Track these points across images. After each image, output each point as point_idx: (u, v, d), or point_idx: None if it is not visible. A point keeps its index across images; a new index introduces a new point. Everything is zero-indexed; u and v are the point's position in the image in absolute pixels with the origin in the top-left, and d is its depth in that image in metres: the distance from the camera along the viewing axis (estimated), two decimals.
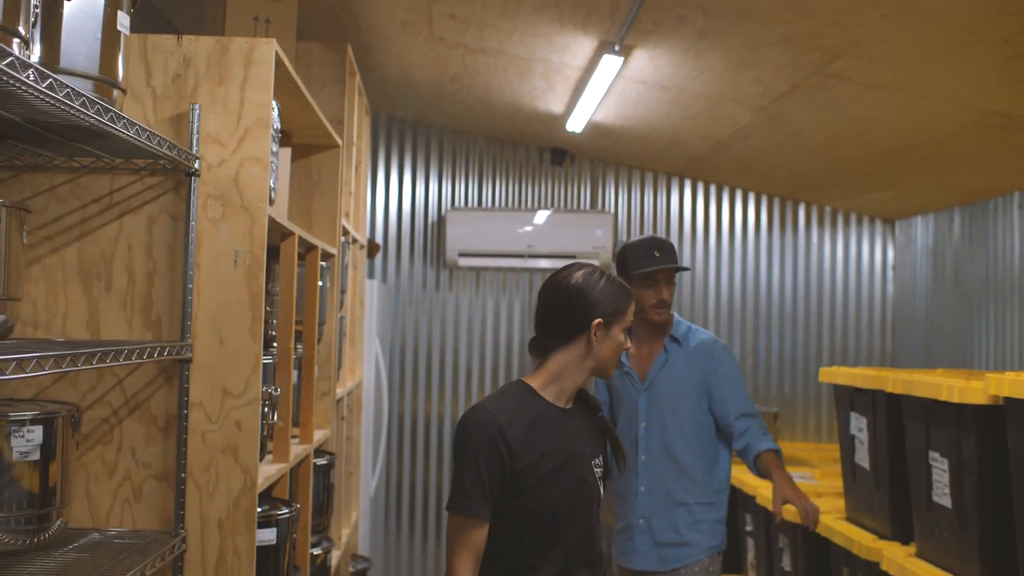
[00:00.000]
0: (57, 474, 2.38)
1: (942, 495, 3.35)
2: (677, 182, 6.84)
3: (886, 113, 4.45)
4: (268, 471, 3.05)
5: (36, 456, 2.31)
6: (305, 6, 4.04)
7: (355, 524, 5.34)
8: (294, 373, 3.56)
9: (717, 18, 3.76)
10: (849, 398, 4.16)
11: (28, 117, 2.14)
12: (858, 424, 4.08)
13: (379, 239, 6.74)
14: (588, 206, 6.84)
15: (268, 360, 3.07)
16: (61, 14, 2.14)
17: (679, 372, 3.64)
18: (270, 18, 3.55)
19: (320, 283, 3.93)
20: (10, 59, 1.62)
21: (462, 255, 6.58)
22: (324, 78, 4.42)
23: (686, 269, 3.83)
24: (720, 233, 6.84)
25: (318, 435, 3.98)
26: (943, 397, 3.22)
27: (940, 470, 3.36)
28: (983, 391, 3.06)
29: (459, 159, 6.81)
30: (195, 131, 2.76)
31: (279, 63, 2.95)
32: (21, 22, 1.80)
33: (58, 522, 2.40)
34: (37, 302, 2.76)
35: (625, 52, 4.27)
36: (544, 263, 6.63)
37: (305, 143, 4.18)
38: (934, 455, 3.41)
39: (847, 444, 4.20)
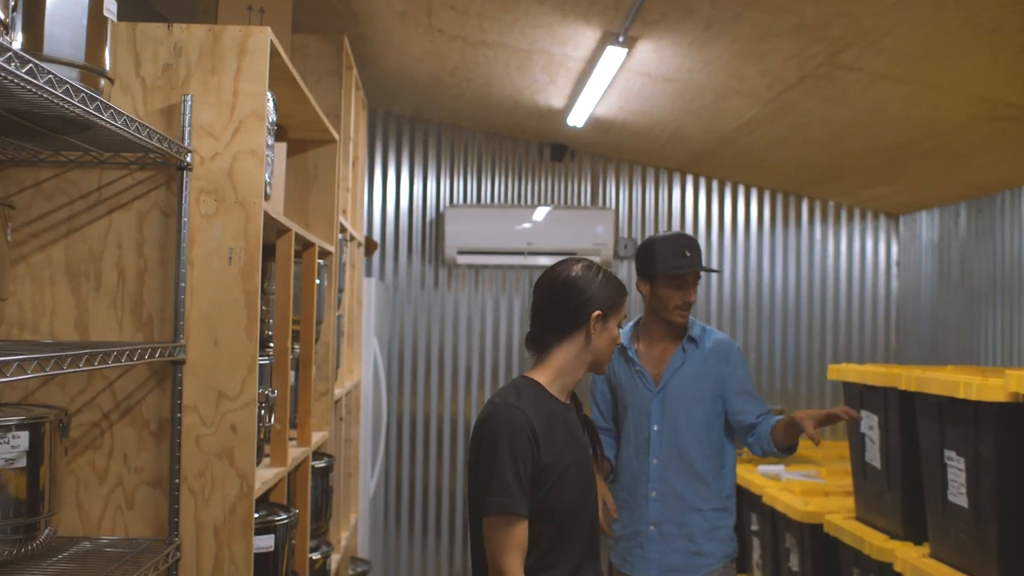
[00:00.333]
0: (45, 481, 2.29)
1: (958, 495, 3.26)
2: (679, 178, 6.74)
3: (894, 105, 4.35)
4: (265, 475, 2.95)
5: (23, 463, 2.22)
6: None
7: (354, 526, 5.24)
8: (291, 374, 3.46)
9: (724, 7, 3.67)
10: (859, 396, 4.07)
11: (10, 107, 2.04)
12: (869, 422, 3.99)
13: (377, 237, 6.64)
14: (589, 202, 6.74)
15: (264, 361, 2.97)
16: None
17: (696, 374, 3.50)
18: (264, 7, 3.45)
19: (317, 281, 3.83)
20: None
21: (461, 253, 6.48)
22: (320, 71, 4.31)
23: (717, 271, 3.67)
24: (723, 229, 6.74)
25: (316, 437, 3.88)
26: (960, 395, 3.13)
27: (956, 469, 3.27)
28: (1003, 388, 2.96)
29: (458, 155, 6.71)
30: (187, 123, 2.67)
31: (274, 53, 2.85)
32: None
33: (46, 531, 2.30)
34: (23, 302, 2.66)
35: (629, 43, 4.18)
36: (544, 260, 6.52)
37: (301, 138, 4.08)
38: (949, 454, 3.32)
39: (857, 443, 4.11)
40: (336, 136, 4.13)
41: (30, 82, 1.69)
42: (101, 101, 2.07)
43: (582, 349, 2.56)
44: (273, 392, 2.96)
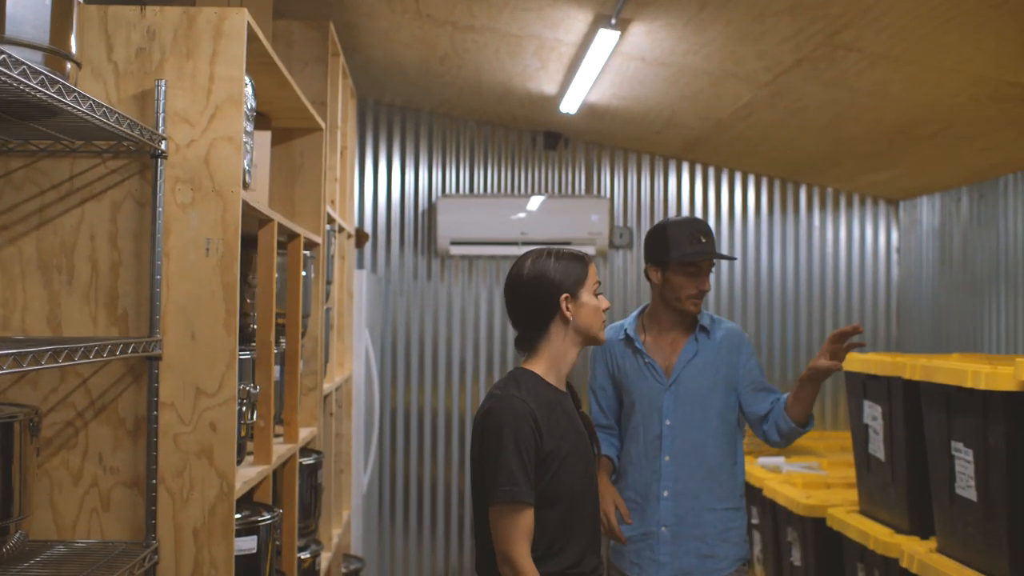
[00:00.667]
0: (16, 483, 2.19)
1: (966, 487, 3.16)
2: (675, 165, 6.63)
3: (895, 87, 4.24)
4: (248, 474, 2.85)
5: None
6: None
7: (347, 523, 5.14)
8: (276, 369, 3.35)
9: None
10: (862, 385, 3.97)
11: None
12: (872, 413, 3.89)
13: (368, 228, 6.52)
14: (583, 191, 6.63)
15: (246, 356, 2.87)
16: None
17: (708, 365, 3.31)
18: None
19: (304, 273, 3.73)
20: None
21: (454, 243, 6.37)
22: (306, 58, 4.20)
23: (733, 259, 3.46)
24: (719, 217, 6.63)
25: (304, 433, 3.78)
26: (968, 384, 3.03)
27: (964, 461, 3.17)
28: (1013, 377, 2.86)
29: (449, 145, 6.59)
30: (161, 109, 2.56)
31: (252, 36, 2.75)
32: None
33: (17, 535, 2.21)
34: None
35: (622, 26, 4.06)
36: None
37: (286, 126, 3.97)
38: (957, 445, 3.22)
39: (860, 434, 4.01)
40: (322, 124, 4.03)
41: None
42: (64, 84, 1.96)
43: (566, 333, 2.59)
44: (255, 388, 2.85)
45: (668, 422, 3.29)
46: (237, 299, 2.59)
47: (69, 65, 2.27)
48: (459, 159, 6.59)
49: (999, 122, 4.45)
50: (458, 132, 6.58)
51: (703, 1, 3.71)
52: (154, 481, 2.52)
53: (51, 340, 2.41)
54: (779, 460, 5.12)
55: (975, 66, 3.83)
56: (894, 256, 6.67)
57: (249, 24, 2.67)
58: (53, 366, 1.97)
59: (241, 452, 2.83)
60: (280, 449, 3.36)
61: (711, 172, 6.62)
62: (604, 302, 2.63)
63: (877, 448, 3.86)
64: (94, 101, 2.11)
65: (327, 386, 4.37)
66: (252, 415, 2.86)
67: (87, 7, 2.60)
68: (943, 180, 5.79)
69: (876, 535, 3.68)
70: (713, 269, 3.36)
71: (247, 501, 2.96)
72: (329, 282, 4.35)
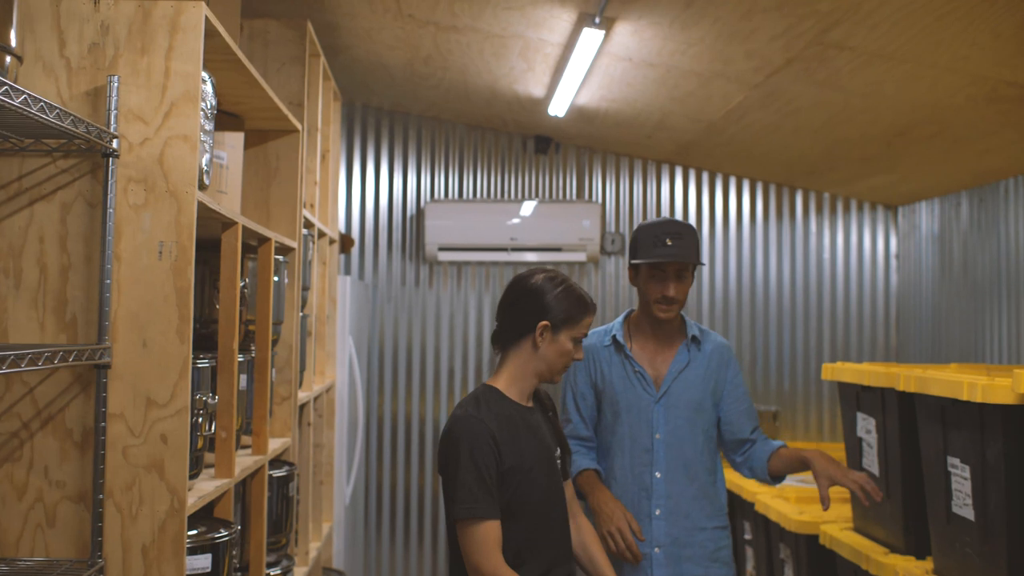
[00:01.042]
0: None
1: (963, 506, 3.02)
2: (668, 170, 6.50)
3: (889, 87, 4.11)
4: (205, 488, 2.72)
5: None
6: None
7: (328, 536, 5.01)
8: (242, 377, 3.22)
9: None
10: (855, 397, 3.83)
11: None
12: (866, 425, 3.75)
13: (355, 233, 6.40)
14: (574, 196, 6.50)
15: (204, 364, 2.74)
16: None
17: (699, 378, 3.21)
18: None
19: (276, 279, 3.60)
20: None
21: (442, 249, 6.24)
22: (282, 57, 4.07)
23: (699, 264, 3.26)
24: (713, 223, 6.50)
25: (275, 444, 3.66)
26: (964, 396, 2.88)
27: (960, 478, 3.02)
28: (1011, 389, 2.72)
29: (438, 149, 6.47)
30: (113, 106, 2.44)
31: (212, 32, 2.63)
32: None
33: None
34: None
35: (607, 24, 3.94)
36: (530, 256, 6.29)
37: (261, 128, 3.85)
38: (953, 461, 3.08)
39: (853, 447, 3.87)
40: (298, 126, 3.90)
41: None
42: (11, 85, 1.84)
43: (531, 356, 2.64)
44: (213, 398, 2.72)
45: (659, 435, 3.16)
46: (191, 305, 2.47)
47: (8, 59, 2.17)
48: (448, 163, 6.47)
49: (998, 124, 4.32)
50: (447, 136, 6.45)
51: None
52: (101, 496, 2.39)
53: None
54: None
55: (972, 64, 3.70)
56: (893, 263, 6.53)
57: (207, 18, 2.54)
58: None
59: (198, 465, 2.70)
60: (246, 461, 3.23)
61: (704, 177, 6.49)
62: (579, 353, 2.67)
63: (871, 463, 3.72)
64: (30, 95, 1.99)
65: (304, 395, 4.24)
66: (210, 426, 2.73)
67: (39, 0, 2.49)
68: (942, 184, 5.65)
69: (870, 554, 3.53)
70: (690, 275, 3.20)
71: (205, 517, 2.83)
72: (306, 288, 4.22)
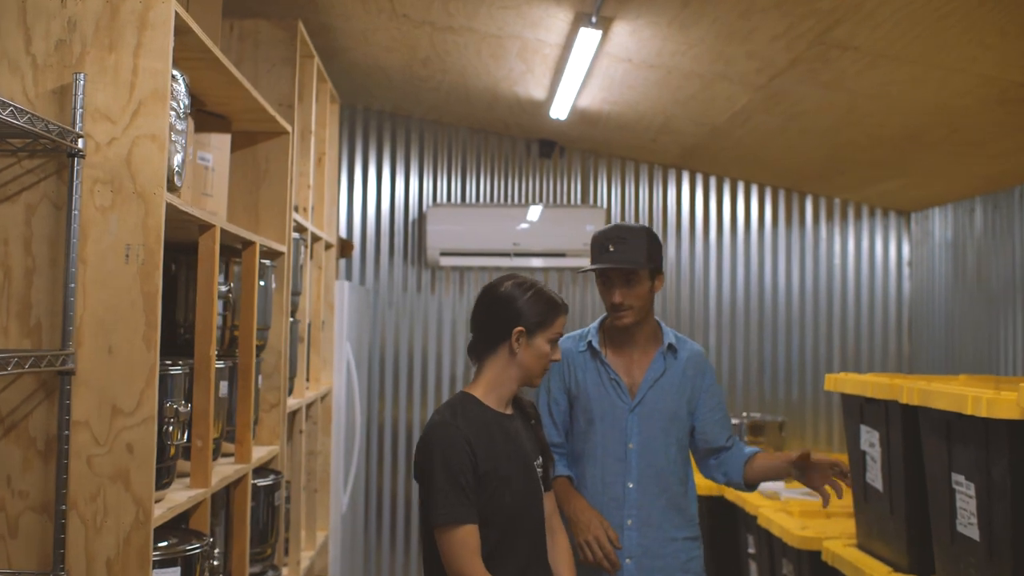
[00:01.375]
0: None
1: (967, 525, 2.90)
2: (674, 174, 6.39)
3: (896, 88, 4.00)
4: (177, 499, 2.63)
5: None
6: None
7: (323, 545, 4.92)
8: (222, 384, 3.14)
9: None
10: (859, 409, 3.71)
11: None
12: (869, 439, 3.64)
13: (356, 238, 6.31)
14: (579, 201, 6.40)
15: (178, 371, 2.65)
16: None
17: (674, 386, 3.13)
18: None
19: (262, 283, 3.52)
20: None
21: (444, 254, 6.15)
22: (273, 58, 4.00)
23: (627, 267, 3.05)
24: (721, 228, 6.39)
25: (261, 452, 3.57)
26: (968, 410, 2.76)
27: (965, 496, 2.90)
28: (1016, 403, 2.60)
29: (440, 152, 6.38)
30: (79, 104, 2.37)
31: (185, 28, 2.55)
32: None
33: None
34: None
35: (603, 24, 3.85)
36: (536, 262, 6.19)
37: (249, 130, 3.78)
38: (957, 478, 2.96)
39: (857, 461, 3.75)
40: (287, 128, 3.83)
41: None
42: None
43: (508, 363, 2.63)
44: (186, 406, 2.63)
45: (631, 445, 3.08)
46: (159, 310, 2.39)
47: None
48: (450, 167, 6.38)
49: (1009, 126, 4.19)
50: (449, 139, 6.37)
51: None
52: (64, 507, 2.31)
53: None
54: (779, 486, 4.86)
55: (980, 65, 3.59)
56: (905, 270, 6.40)
57: (178, 14, 2.46)
58: None
59: (169, 474, 2.62)
60: (227, 470, 3.15)
61: (712, 181, 6.38)
62: (556, 354, 2.67)
63: (875, 477, 3.60)
64: None
65: (295, 402, 4.16)
66: (183, 435, 2.64)
67: None
68: (955, 190, 5.53)
69: (873, 573, 3.41)
70: (641, 280, 3.07)
71: (177, 528, 2.74)
72: (296, 293, 4.14)
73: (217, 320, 3.30)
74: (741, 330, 6.36)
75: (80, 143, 2.34)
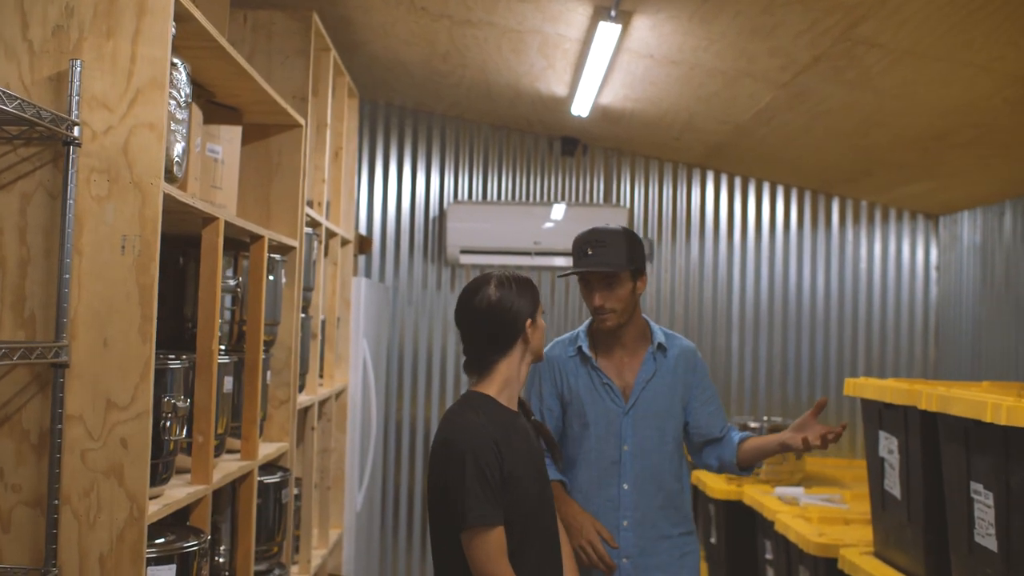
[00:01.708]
0: None
1: (985, 535, 2.80)
2: (698, 174, 6.30)
3: (922, 88, 3.90)
4: (175, 495, 2.59)
5: None
6: None
7: (336, 543, 4.87)
8: (227, 380, 3.10)
9: None
10: (878, 414, 3.62)
11: None
12: (888, 445, 3.54)
13: (376, 235, 6.26)
14: (601, 200, 6.33)
15: (177, 365, 2.61)
16: None
17: (666, 385, 3.15)
18: None
19: (271, 278, 3.48)
20: None
21: (464, 252, 6.09)
22: (287, 50, 3.95)
23: (607, 270, 3.02)
24: (745, 229, 6.29)
25: (269, 449, 3.53)
26: (987, 418, 2.67)
27: (983, 505, 2.81)
28: None
29: (462, 149, 6.32)
30: (75, 92, 2.33)
31: (186, 15, 2.51)
32: None
33: None
34: None
35: (623, 19, 3.78)
36: (557, 261, 6.11)
37: (261, 122, 3.73)
38: (976, 487, 2.86)
39: (876, 467, 3.66)
40: (301, 121, 3.78)
41: None
42: None
43: (523, 354, 2.64)
44: (185, 401, 2.59)
45: (626, 447, 3.10)
46: (155, 302, 2.34)
47: None
48: (472, 164, 6.32)
49: None
50: (471, 136, 6.31)
51: None
52: (56, 502, 2.27)
53: None
54: (798, 491, 4.77)
55: (1009, 65, 3.49)
56: (933, 274, 6.28)
57: (178, 0, 2.42)
58: None
59: (167, 470, 2.57)
60: (231, 467, 3.10)
61: (737, 182, 6.28)
62: (544, 324, 2.71)
63: (893, 484, 3.51)
64: None
65: (307, 399, 4.11)
66: (181, 431, 2.59)
67: None
68: (984, 193, 5.40)
69: None
70: (623, 282, 3.04)
71: (177, 525, 2.70)
72: (309, 289, 4.09)
73: (225, 315, 3.28)
74: (764, 333, 6.26)
75: (76, 131, 2.31)
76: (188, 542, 2.56)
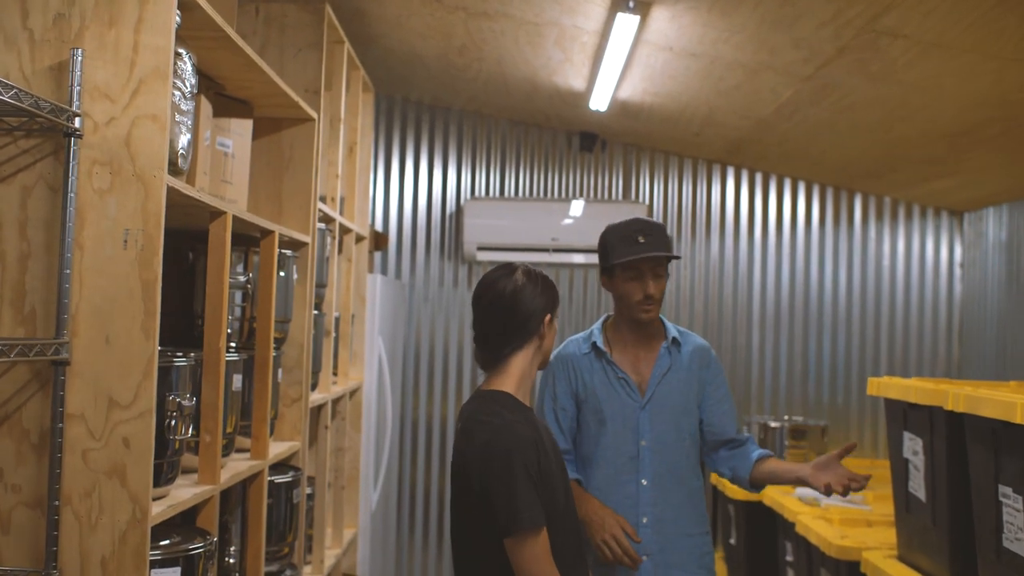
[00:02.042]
0: None
1: (1014, 540, 2.71)
2: (718, 170, 6.21)
3: (949, 80, 3.80)
4: (181, 496, 2.53)
5: None
6: None
7: (350, 543, 4.81)
8: (236, 378, 3.04)
9: None
10: (902, 415, 3.52)
11: None
12: (912, 446, 3.45)
13: (392, 231, 6.20)
14: (620, 196, 6.24)
15: (183, 363, 2.55)
16: None
17: (682, 380, 3.12)
18: None
19: (282, 274, 3.42)
20: None
21: (481, 249, 6.02)
22: (299, 43, 3.89)
23: (676, 257, 3.11)
24: (766, 226, 6.19)
25: (280, 448, 3.47)
26: (1018, 419, 2.59)
27: (1013, 509, 2.72)
28: None
29: (479, 144, 6.24)
30: (76, 82, 2.26)
31: (191, 4, 2.44)
32: None
33: None
34: None
35: (642, 10, 3.69)
36: (576, 258, 6.03)
37: (273, 116, 3.68)
38: (1004, 490, 2.77)
39: (900, 469, 3.57)
40: (313, 115, 3.72)
41: None
42: None
43: (536, 352, 2.59)
44: (190, 399, 2.52)
45: (644, 442, 3.06)
46: (158, 298, 2.28)
47: None
48: (489, 160, 6.24)
49: None
50: (488, 131, 6.23)
51: None
52: (57, 503, 2.22)
53: None
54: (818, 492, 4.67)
55: None
56: (957, 272, 6.16)
57: None
58: None
59: (172, 470, 2.52)
60: (240, 466, 3.04)
61: (758, 178, 6.19)
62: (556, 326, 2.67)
63: (917, 486, 3.42)
64: None
65: (320, 397, 4.05)
66: (186, 430, 2.53)
67: None
68: (1010, 189, 5.29)
69: None
70: (665, 272, 3.07)
71: (185, 526, 2.64)
72: (322, 285, 4.04)
73: (235, 311, 3.23)
74: (785, 331, 6.16)
75: (77, 122, 2.25)
76: (194, 544, 2.50)
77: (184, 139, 2.48)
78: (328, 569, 4.24)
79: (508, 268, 2.59)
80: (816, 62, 3.91)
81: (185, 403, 2.50)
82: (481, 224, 6.03)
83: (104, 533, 2.24)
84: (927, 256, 6.17)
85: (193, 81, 2.54)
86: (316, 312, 3.91)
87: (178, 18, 2.37)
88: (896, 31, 3.42)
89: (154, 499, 2.34)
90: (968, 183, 5.39)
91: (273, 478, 3.39)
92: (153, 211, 2.28)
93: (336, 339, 4.49)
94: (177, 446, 2.51)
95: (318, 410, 4.17)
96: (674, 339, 3.14)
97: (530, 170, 6.24)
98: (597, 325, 3.20)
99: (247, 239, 3.28)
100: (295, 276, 3.62)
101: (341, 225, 4.46)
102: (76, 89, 2.26)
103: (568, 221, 6.05)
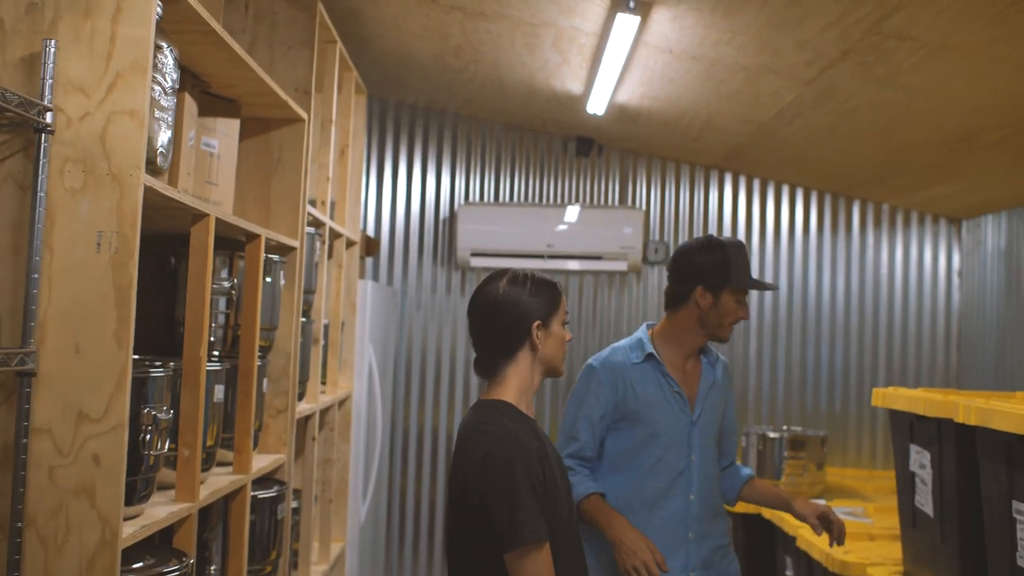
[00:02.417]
0: None
1: None
2: (716, 176, 6.10)
3: (955, 84, 3.70)
4: (156, 515, 2.40)
5: None
6: None
7: (338, 557, 4.68)
8: (218, 388, 2.91)
9: None
10: (909, 427, 3.41)
11: None
12: (920, 460, 3.34)
13: (384, 236, 6.08)
14: (616, 202, 6.13)
15: (160, 373, 2.42)
16: None
17: (719, 396, 3.16)
18: None
19: (269, 279, 3.29)
20: None
21: (475, 255, 5.90)
22: (290, 41, 3.76)
23: (776, 288, 3.36)
24: (764, 234, 6.08)
25: (264, 461, 3.34)
26: None
27: None
28: None
29: (474, 149, 6.13)
30: (48, 75, 2.14)
31: None
32: None
33: None
34: None
35: (642, 10, 3.58)
36: (572, 264, 5.92)
37: (261, 116, 3.55)
38: (1019, 506, 2.66)
39: (906, 483, 3.46)
40: (303, 115, 3.59)
41: None
42: None
43: (533, 361, 2.48)
44: (168, 412, 2.40)
45: (694, 457, 3.04)
46: (132, 305, 2.15)
47: None
48: (484, 165, 6.12)
49: None
50: (483, 136, 6.11)
51: None
52: (20, 524, 2.08)
53: None
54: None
55: None
56: (955, 280, 6.06)
57: None
58: None
59: (147, 487, 2.38)
60: (221, 482, 2.92)
61: (756, 184, 6.08)
62: (568, 333, 2.54)
63: (924, 501, 3.30)
64: None
65: (307, 407, 3.92)
66: (163, 444, 2.40)
67: None
68: (1010, 196, 5.19)
69: None
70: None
71: (161, 546, 2.51)
72: (311, 291, 3.91)
73: (219, 318, 3.10)
74: (783, 340, 6.06)
75: (48, 117, 2.12)
76: (168, 567, 2.36)
77: (164, 136, 2.36)
78: None
79: (498, 274, 2.54)
80: (819, 65, 3.81)
81: (161, 416, 2.36)
82: (475, 230, 5.91)
83: (71, 556, 2.11)
84: (925, 264, 6.08)
85: (175, 76, 2.42)
86: (304, 319, 3.79)
87: (159, 9, 2.25)
88: (904, 33, 3.31)
89: (126, 519, 2.21)
90: (968, 189, 5.29)
91: (256, 493, 3.26)
92: (129, 212, 2.16)
93: (325, 347, 4.37)
94: (152, 462, 2.37)
95: (305, 421, 4.04)
96: (706, 352, 3.16)
97: (525, 175, 6.12)
98: (644, 335, 3.14)
99: (233, 243, 3.15)
100: (282, 282, 3.49)
101: (331, 229, 4.34)
102: (48, 82, 2.14)
103: (563, 227, 5.93)
